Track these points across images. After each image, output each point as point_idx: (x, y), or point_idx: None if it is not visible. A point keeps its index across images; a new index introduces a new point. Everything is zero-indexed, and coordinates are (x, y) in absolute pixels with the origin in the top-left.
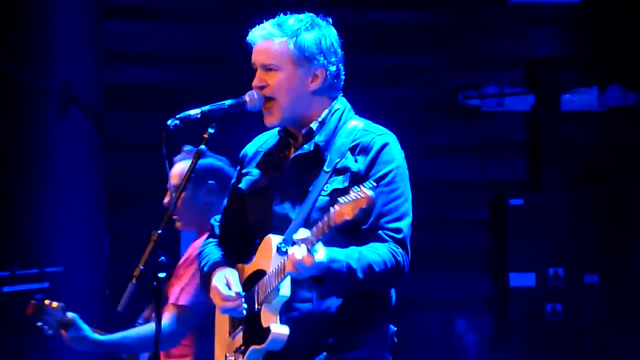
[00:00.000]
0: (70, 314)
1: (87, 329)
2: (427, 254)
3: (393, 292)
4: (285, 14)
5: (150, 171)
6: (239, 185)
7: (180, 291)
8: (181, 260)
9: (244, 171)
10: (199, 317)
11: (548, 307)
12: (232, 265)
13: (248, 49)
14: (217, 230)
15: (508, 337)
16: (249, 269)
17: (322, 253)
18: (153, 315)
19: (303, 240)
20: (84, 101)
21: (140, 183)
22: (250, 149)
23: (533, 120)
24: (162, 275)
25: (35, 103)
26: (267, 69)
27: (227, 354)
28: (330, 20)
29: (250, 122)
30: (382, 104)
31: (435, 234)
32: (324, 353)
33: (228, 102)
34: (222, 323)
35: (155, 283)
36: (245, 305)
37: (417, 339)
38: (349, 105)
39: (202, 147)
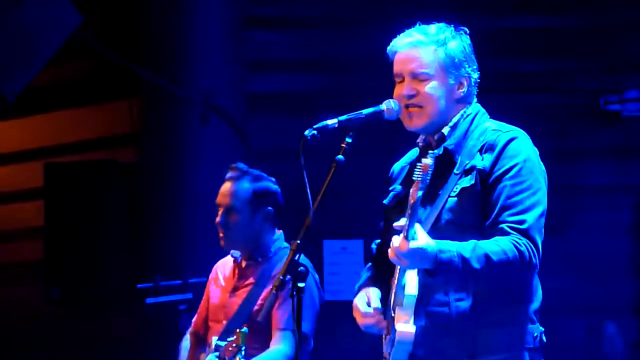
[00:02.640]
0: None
1: None
2: (570, 258)
3: (536, 291)
4: (421, 23)
5: (293, 179)
6: (384, 202)
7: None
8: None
9: (390, 188)
10: (312, 343)
11: None
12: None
13: (389, 57)
14: (374, 252)
15: None
16: (393, 281)
17: (422, 240)
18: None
19: (401, 227)
20: (226, 110)
21: (283, 191)
22: (397, 166)
23: None
24: (301, 285)
25: (178, 112)
26: (417, 76)
27: None
28: (467, 29)
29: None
30: (521, 109)
31: (578, 238)
32: (471, 358)
33: (365, 111)
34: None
35: (294, 293)
36: (384, 322)
37: (561, 346)
38: (482, 110)
39: (340, 157)
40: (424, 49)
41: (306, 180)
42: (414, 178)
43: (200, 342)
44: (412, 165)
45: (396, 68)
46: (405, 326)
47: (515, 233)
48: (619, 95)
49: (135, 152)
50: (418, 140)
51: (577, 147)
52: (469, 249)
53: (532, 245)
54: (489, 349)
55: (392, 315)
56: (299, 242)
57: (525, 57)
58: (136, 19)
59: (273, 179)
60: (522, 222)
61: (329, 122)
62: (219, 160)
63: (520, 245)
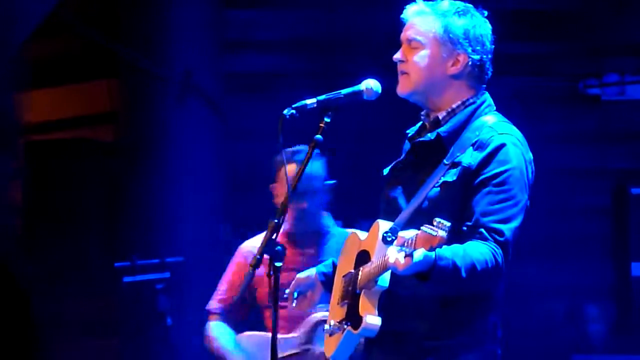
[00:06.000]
0: None
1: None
2: (548, 242)
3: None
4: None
5: (269, 159)
6: (383, 171)
7: None
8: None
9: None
10: None
11: None
12: None
13: (401, 27)
14: None
15: (631, 326)
16: (361, 246)
17: (418, 255)
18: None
19: (403, 244)
20: (203, 89)
21: (259, 171)
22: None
23: None
24: (278, 264)
25: (156, 91)
26: (410, 42)
27: (332, 321)
28: (485, 13)
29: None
30: (501, 92)
31: (556, 222)
32: (427, 340)
33: (344, 91)
34: (336, 288)
35: (271, 272)
36: (294, 304)
37: (540, 327)
38: (489, 100)
39: (318, 136)
40: (423, 18)
41: (285, 159)
42: (424, 229)
43: (230, 322)
44: (409, 137)
45: (402, 35)
46: (374, 318)
47: (492, 241)
48: (598, 79)
49: (114, 131)
50: (421, 113)
51: (556, 130)
52: (460, 256)
53: (503, 257)
54: (449, 333)
55: (357, 292)
56: (276, 221)
57: (504, 40)
58: None
59: None
60: (501, 232)
61: (308, 101)
62: (196, 140)
63: (497, 255)
